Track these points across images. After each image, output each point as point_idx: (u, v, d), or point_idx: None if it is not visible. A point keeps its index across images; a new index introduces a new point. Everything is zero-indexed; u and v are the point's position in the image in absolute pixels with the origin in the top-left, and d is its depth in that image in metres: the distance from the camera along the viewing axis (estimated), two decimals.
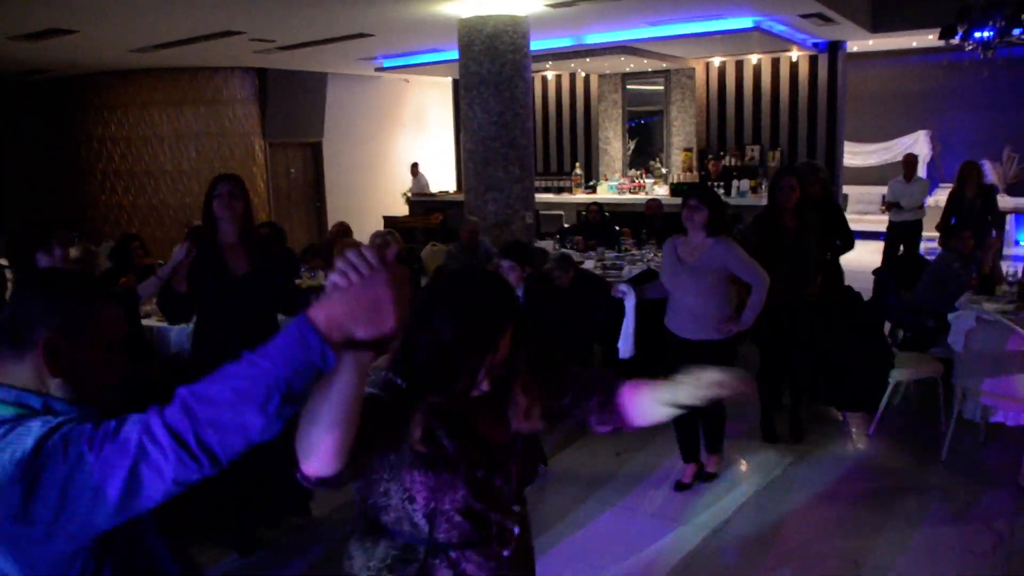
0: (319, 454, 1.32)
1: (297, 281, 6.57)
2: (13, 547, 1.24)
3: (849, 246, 6.13)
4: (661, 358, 4.59)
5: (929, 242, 11.62)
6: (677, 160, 12.90)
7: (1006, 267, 6.31)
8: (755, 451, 5.19)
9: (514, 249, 5.42)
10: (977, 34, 7.97)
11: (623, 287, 4.60)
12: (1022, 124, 13.79)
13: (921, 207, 9.81)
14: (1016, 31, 7.76)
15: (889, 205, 9.90)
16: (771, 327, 5.04)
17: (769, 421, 5.36)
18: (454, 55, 8.89)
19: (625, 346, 4.65)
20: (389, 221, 12.69)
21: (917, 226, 9.83)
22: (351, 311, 1.23)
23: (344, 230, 7.73)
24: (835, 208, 6.45)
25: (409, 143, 15.66)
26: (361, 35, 9.93)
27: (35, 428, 1.26)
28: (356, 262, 1.25)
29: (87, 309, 1.43)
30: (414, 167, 14.44)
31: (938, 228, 8.39)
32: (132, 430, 1.21)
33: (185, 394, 1.21)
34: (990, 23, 7.76)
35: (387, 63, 12.93)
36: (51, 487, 1.20)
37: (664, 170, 13.02)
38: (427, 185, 14.25)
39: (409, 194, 14.16)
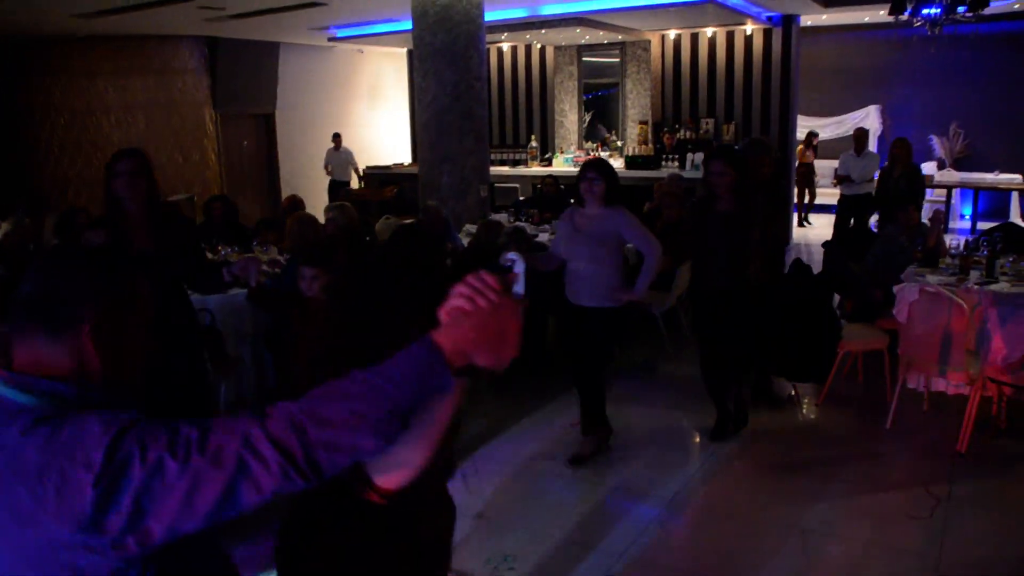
0: (406, 471, 1.33)
1: (248, 255, 6.49)
2: (75, 557, 1.13)
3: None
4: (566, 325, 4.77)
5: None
6: (633, 133, 12.93)
7: (950, 240, 6.46)
8: (706, 421, 5.28)
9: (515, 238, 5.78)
10: (924, 11, 8.09)
11: (511, 255, 4.57)
12: (968, 100, 14.04)
13: (872, 180, 9.98)
14: (961, 8, 7.89)
15: (840, 179, 10.07)
16: (708, 316, 4.99)
17: (722, 422, 5.11)
18: (408, 25, 8.78)
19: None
20: (342, 194, 12.55)
21: (867, 199, 10.00)
22: (478, 338, 1.22)
23: (296, 203, 7.64)
24: (781, 193, 6.55)
25: (364, 115, 15.48)
26: (314, 4, 9.75)
27: (95, 426, 1.14)
28: (482, 288, 1.25)
29: (131, 287, 1.34)
30: (336, 138, 13.61)
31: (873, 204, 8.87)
32: (226, 442, 1.13)
33: (295, 411, 1.16)
34: (937, 0, 7.88)
35: (341, 33, 12.73)
36: (126, 494, 1.10)
37: (620, 143, 13.05)
38: (350, 159, 13.55)
39: (329, 168, 13.40)
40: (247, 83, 13.07)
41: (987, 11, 8.37)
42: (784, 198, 6.59)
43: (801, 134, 13.65)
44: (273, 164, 14.07)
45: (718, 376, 5.06)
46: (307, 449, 1.13)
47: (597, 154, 12.53)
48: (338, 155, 13.39)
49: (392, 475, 1.34)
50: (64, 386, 1.24)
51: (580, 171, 4.60)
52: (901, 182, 8.42)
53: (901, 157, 8.59)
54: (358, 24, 12.18)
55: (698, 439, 5.15)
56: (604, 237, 4.50)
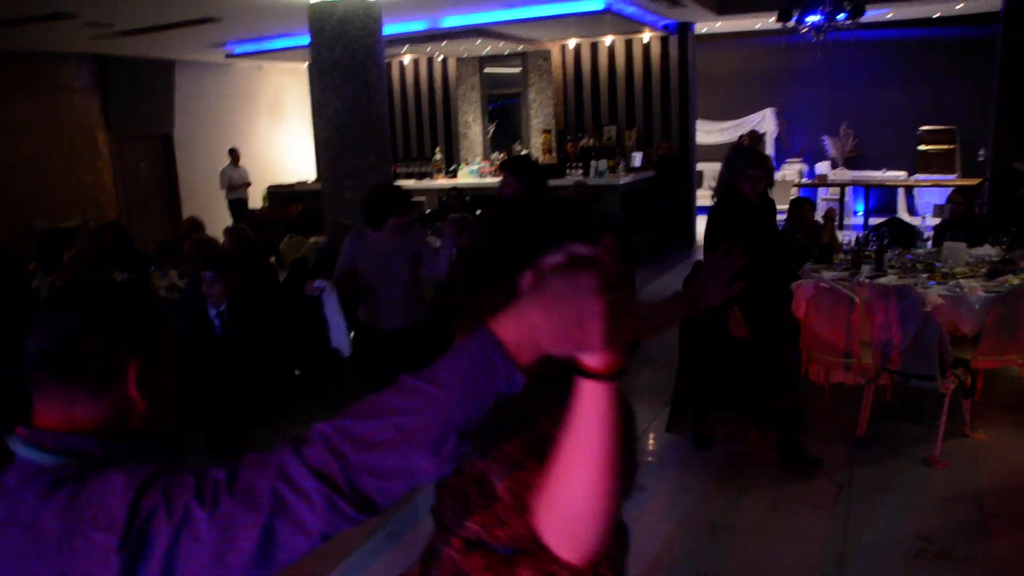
0: (591, 536, 1.03)
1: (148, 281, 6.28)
2: None
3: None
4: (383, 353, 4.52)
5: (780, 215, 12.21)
6: (537, 142, 13.04)
7: (843, 236, 6.71)
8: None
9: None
10: (809, 18, 8.44)
11: (319, 283, 4.35)
12: (856, 102, 14.67)
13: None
14: (841, 16, 8.26)
15: None
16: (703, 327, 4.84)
17: (700, 428, 5.04)
18: (306, 40, 8.67)
19: (342, 341, 4.50)
20: (245, 214, 12.28)
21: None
22: (547, 323, 0.95)
23: (195, 225, 7.43)
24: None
25: (266, 132, 15.20)
26: (208, 20, 9.53)
27: (117, 481, 0.99)
28: (558, 259, 0.97)
29: (164, 326, 1.20)
30: (233, 154, 13.17)
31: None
32: (257, 477, 0.95)
33: (328, 431, 0.96)
34: (819, 8, 8.22)
35: (238, 49, 12.49)
36: (154, 555, 0.94)
37: (524, 152, 13.15)
38: (245, 176, 13.13)
39: (224, 189, 12.99)
40: (142, 103, 12.67)
41: (865, 19, 8.80)
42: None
43: (701, 138, 14.01)
44: (173, 185, 13.67)
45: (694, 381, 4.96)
46: (350, 475, 0.94)
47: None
48: (237, 172, 13.06)
49: (579, 547, 1.04)
50: (91, 441, 1.08)
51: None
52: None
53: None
54: (255, 40, 11.97)
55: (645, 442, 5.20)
56: (410, 255, 4.44)
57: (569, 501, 1.03)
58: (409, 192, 4.48)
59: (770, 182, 4.46)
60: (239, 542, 0.93)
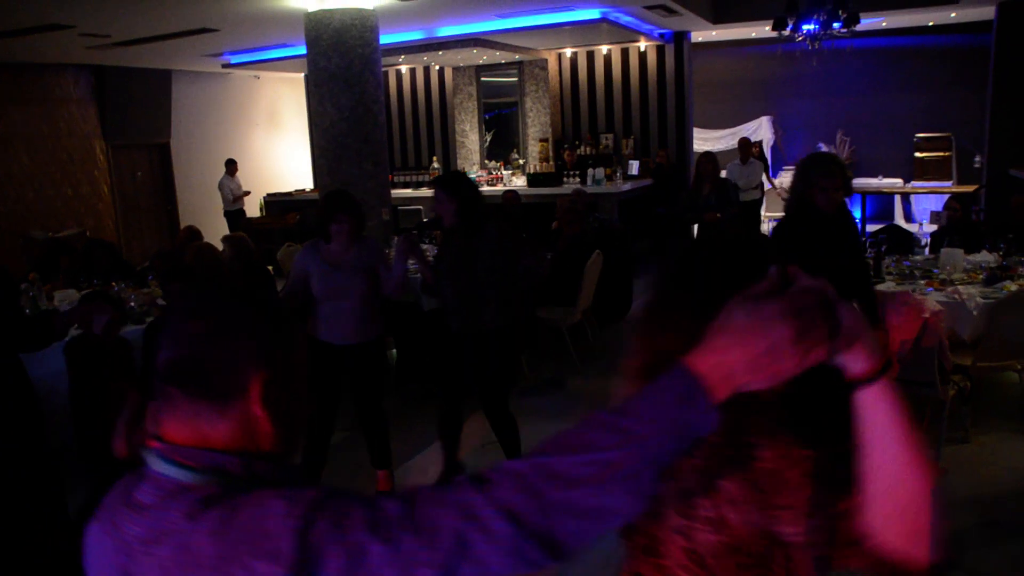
0: (930, 524, 1.04)
1: (146, 291, 6.26)
2: None
3: None
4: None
5: (774, 222, 12.24)
6: (534, 151, 13.06)
7: None
8: None
9: None
10: (804, 27, 8.46)
11: None
12: (852, 110, 14.71)
13: (758, 187, 10.40)
14: (836, 25, 8.29)
15: None
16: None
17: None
18: (303, 50, 8.68)
19: None
20: (243, 223, 12.27)
21: (756, 206, 10.43)
22: (748, 357, 0.93)
23: (193, 234, 7.41)
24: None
25: (263, 141, 15.21)
26: (204, 30, 9.55)
27: (276, 506, 0.92)
28: (755, 291, 0.96)
29: (292, 336, 1.11)
30: (230, 164, 12.99)
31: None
32: (440, 516, 0.90)
33: (523, 469, 0.91)
34: (814, 17, 8.25)
35: (235, 59, 12.49)
36: None
37: (521, 161, 13.16)
38: (238, 189, 13.01)
39: (227, 202, 12.88)
40: (138, 112, 12.67)
41: (860, 28, 8.83)
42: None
43: (698, 146, 14.03)
44: (170, 195, 13.66)
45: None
46: (546, 516, 0.89)
47: (500, 173, 12.59)
48: (234, 183, 13.05)
49: (919, 540, 1.05)
50: (230, 458, 1.02)
51: (329, 211, 4.30)
52: (711, 198, 7.80)
53: (709, 173, 7.88)
54: (252, 50, 11.98)
55: None
56: (366, 268, 4.32)
57: (907, 507, 1.04)
58: (349, 197, 4.32)
59: (848, 191, 4.05)
60: None
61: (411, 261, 4.34)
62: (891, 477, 1.04)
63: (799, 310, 0.94)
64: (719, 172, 7.98)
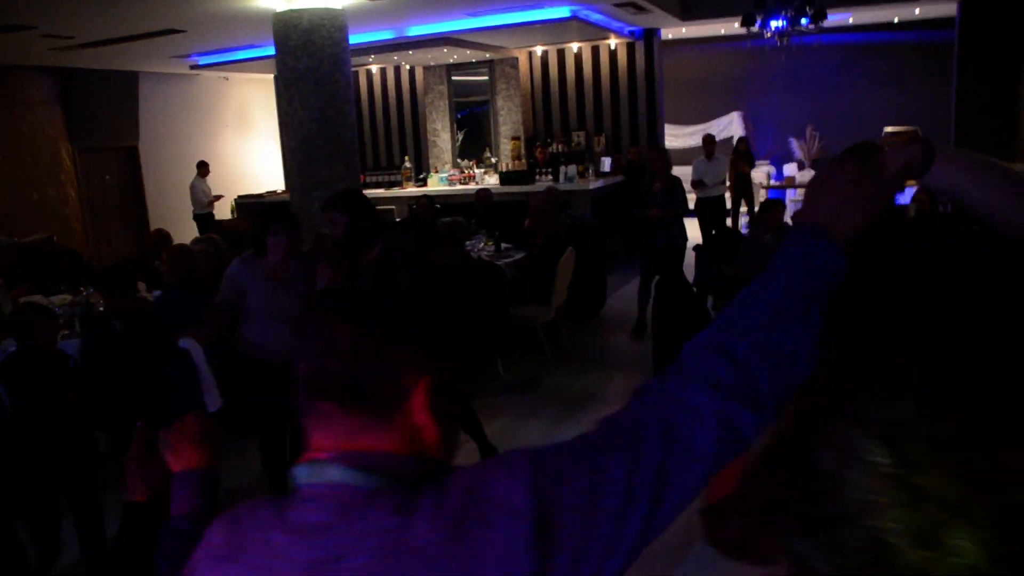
0: None
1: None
2: None
3: None
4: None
5: (746, 216, 12.39)
6: (506, 149, 13.06)
7: None
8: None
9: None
10: (772, 23, 8.53)
11: (183, 342, 4.11)
12: (821, 105, 14.88)
13: (724, 183, 10.50)
14: (804, 21, 8.36)
15: (695, 184, 10.51)
16: None
17: None
18: (272, 51, 8.61)
19: (212, 399, 4.24)
20: (214, 226, 12.16)
21: (721, 201, 10.52)
22: (843, 200, 1.04)
23: (162, 237, 7.35)
24: None
25: (234, 143, 15.08)
26: (171, 31, 9.44)
27: (496, 474, 0.90)
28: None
29: (451, 342, 1.05)
30: (202, 166, 12.69)
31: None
32: (643, 416, 0.92)
33: (702, 337, 0.95)
34: (782, 13, 8.32)
35: (203, 60, 12.38)
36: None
37: (494, 159, 13.16)
38: (210, 191, 12.76)
39: (199, 205, 12.62)
40: (105, 115, 12.51)
41: (827, 24, 8.92)
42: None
43: (670, 142, 14.09)
44: (140, 198, 13.50)
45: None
46: (739, 368, 0.92)
47: (472, 171, 12.58)
48: (205, 184, 12.90)
49: None
50: (408, 460, 0.96)
51: (264, 226, 4.22)
52: (660, 196, 7.33)
53: (661, 170, 7.45)
54: (221, 51, 11.87)
55: None
56: (305, 282, 4.22)
57: None
58: (287, 211, 4.25)
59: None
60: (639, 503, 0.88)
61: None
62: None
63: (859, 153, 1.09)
64: (670, 169, 7.58)
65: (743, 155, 12.18)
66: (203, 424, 1.39)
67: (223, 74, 14.23)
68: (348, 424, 0.95)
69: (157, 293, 6.10)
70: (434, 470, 0.95)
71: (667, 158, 7.61)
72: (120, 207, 13.34)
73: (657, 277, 6.84)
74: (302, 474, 0.95)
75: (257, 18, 8.61)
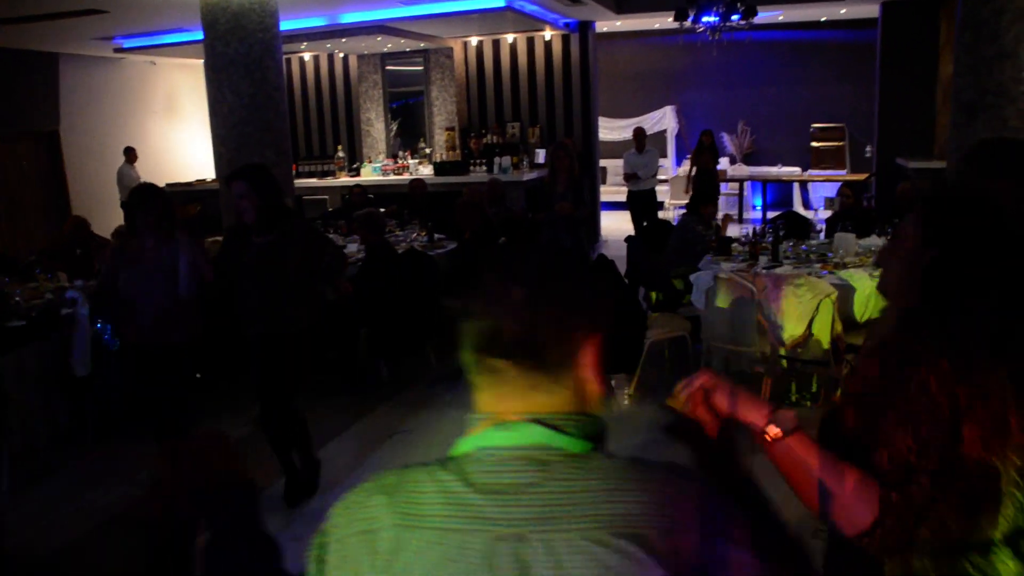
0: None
1: (33, 285, 5.96)
2: None
3: None
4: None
5: (681, 209, 12.56)
6: (440, 139, 12.98)
7: (742, 229, 6.88)
8: None
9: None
10: (704, 18, 8.65)
11: (70, 293, 4.26)
12: (752, 100, 15.15)
13: (655, 176, 10.64)
14: (735, 17, 8.50)
15: (628, 177, 10.61)
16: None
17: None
18: (200, 35, 8.39)
19: (82, 362, 4.30)
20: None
21: (652, 194, 10.65)
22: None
23: (80, 225, 7.10)
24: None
25: (162, 129, 14.66)
26: (92, 11, 9.11)
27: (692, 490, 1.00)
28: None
29: (608, 292, 1.09)
30: (129, 152, 12.50)
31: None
32: None
33: None
34: (714, 9, 8.44)
35: (127, 44, 12.00)
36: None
37: (428, 150, 13.08)
38: (137, 180, 12.07)
39: (123, 190, 12.24)
40: (21, 98, 12.02)
41: (758, 20, 9.09)
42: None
43: (604, 135, 14.19)
44: (61, 185, 13.03)
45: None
46: None
47: (406, 162, 12.47)
48: (134, 171, 12.54)
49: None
50: (589, 419, 1.02)
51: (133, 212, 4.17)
52: (567, 195, 6.93)
53: (565, 167, 6.95)
54: (147, 34, 11.52)
55: None
56: (171, 266, 4.11)
57: None
58: (155, 192, 4.07)
59: None
60: None
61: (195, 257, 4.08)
62: None
63: None
64: (575, 167, 6.98)
65: (708, 148, 11.84)
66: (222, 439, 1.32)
67: (150, 58, 13.81)
68: (522, 383, 0.98)
69: (79, 282, 5.90)
70: (604, 429, 1.03)
71: (572, 155, 6.97)
72: (39, 195, 12.85)
73: None
74: (492, 436, 0.99)
75: (183, 1, 8.38)
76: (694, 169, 12.03)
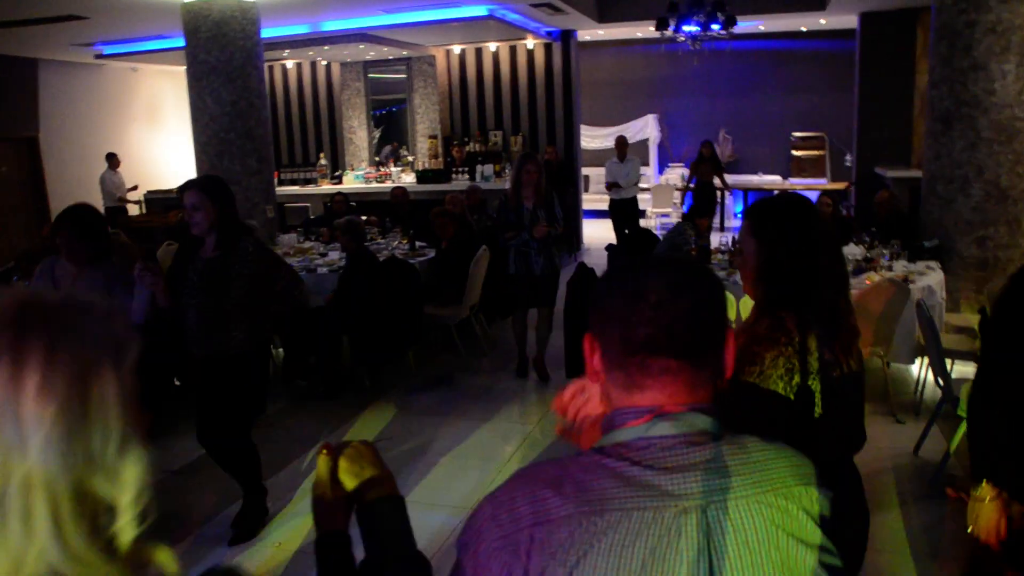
0: None
1: None
2: None
3: None
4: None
5: (663, 217, 12.65)
6: (423, 147, 13.00)
7: (722, 238, 6.92)
8: (502, 428, 5.36)
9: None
10: (685, 28, 8.71)
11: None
12: (734, 108, 15.25)
13: (637, 184, 10.69)
14: (716, 26, 8.56)
15: (610, 185, 10.66)
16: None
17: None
18: (182, 42, 8.38)
19: None
20: (121, 221, 11.76)
21: (634, 202, 10.70)
22: None
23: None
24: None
25: (143, 136, 14.59)
26: (72, 17, 9.07)
27: None
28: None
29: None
30: (111, 158, 12.35)
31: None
32: None
33: None
34: (695, 18, 8.50)
35: (108, 50, 11.94)
36: None
37: (411, 158, 13.09)
38: (122, 183, 12.43)
39: (108, 197, 12.22)
40: (1, 103, 11.95)
41: (738, 30, 9.17)
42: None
43: (586, 143, 14.24)
44: (40, 192, 12.94)
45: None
46: None
47: (388, 170, 12.47)
48: (117, 177, 12.49)
49: None
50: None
51: (56, 227, 3.80)
52: (539, 215, 5.96)
53: (532, 181, 5.92)
54: (128, 41, 11.48)
55: (495, 448, 5.22)
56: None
57: None
58: (80, 212, 3.78)
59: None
60: None
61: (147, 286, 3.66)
62: None
63: None
64: (542, 181, 5.98)
65: (708, 160, 11.37)
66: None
67: (131, 65, 13.75)
68: (686, 379, 1.11)
69: None
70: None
71: (540, 167, 6.02)
72: (18, 201, 12.75)
73: (546, 308, 6.24)
74: (660, 426, 1.10)
75: (165, 8, 8.36)
76: (693, 181, 11.76)
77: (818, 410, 1.89)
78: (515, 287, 6.18)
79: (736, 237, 6.87)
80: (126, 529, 0.84)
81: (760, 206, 2.04)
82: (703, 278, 1.15)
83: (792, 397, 1.85)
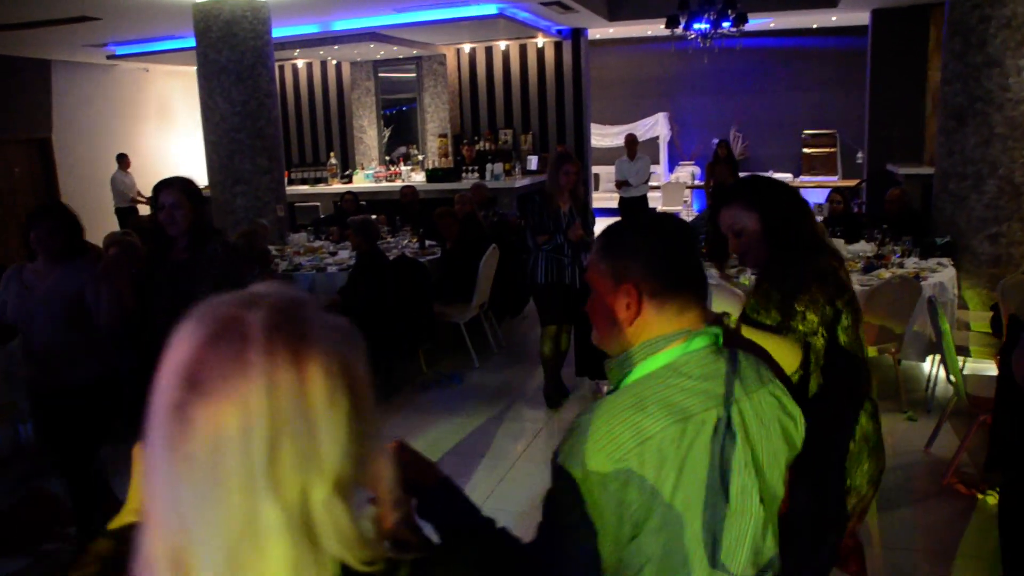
0: None
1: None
2: None
3: None
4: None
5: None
6: (433, 146, 13.01)
7: None
8: (513, 428, 5.36)
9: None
10: (696, 25, 8.69)
11: None
12: (744, 106, 15.20)
13: (647, 183, 10.64)
14: (726, 24, 8.54)
15: (619, 183, 10.61)
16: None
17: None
18: (193, 43, 8.41)
19: None
20: (132, 222, 11.81)
21: (644, 201, 10.65)
22: None
23: None
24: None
25: (154, 136, 14.65)
26: (84, 18, 9.11)
27: None
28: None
29: None
30: (122, 159, 12.42)
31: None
32: None
33: None
34: (705, 16, 8.48)
35: (121, 50, 12.01)
36: None
37: (421, 156, 13.10)
38: (132, 184, 12.46)
39: (120, 198, 12.32)
40: (14, 104, 12.01)
41: (749, 27, 9.14)
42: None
43: (596, 141, 14.22)
44: (53, 192, 13.00)
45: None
46: None
47: (398, 169, 12.49)
48: (128, 178, 12.55)
49: None
50: None
51: (31, 223, 3.59)
52: (573, 220, 5.41)
53: (570, 184, 5.38)
54: (140, 41, 11.54)
55: (505, 446, 5.21)
56: (65, 297, 3.54)
57: None
58: (54, 209, 3.66)
59: None
60: None
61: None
62: None
63: None
64: (580, 186, 5.59)
65: (724, 160, 10.64)
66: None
67: (143, 65, 13.82)
68: (702, 306, 1.41)
69: None
70: None
71: (579, 169, 5.52)
72: (31, 201, 12.82)
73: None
74: (696, 341, 1.35)
75: (176, 8, 8.40)
76: (711, 183, 11.09)
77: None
78: (545, 299, 5.46)
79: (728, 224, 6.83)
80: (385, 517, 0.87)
81: (740, 185, 2.31)
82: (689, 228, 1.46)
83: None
